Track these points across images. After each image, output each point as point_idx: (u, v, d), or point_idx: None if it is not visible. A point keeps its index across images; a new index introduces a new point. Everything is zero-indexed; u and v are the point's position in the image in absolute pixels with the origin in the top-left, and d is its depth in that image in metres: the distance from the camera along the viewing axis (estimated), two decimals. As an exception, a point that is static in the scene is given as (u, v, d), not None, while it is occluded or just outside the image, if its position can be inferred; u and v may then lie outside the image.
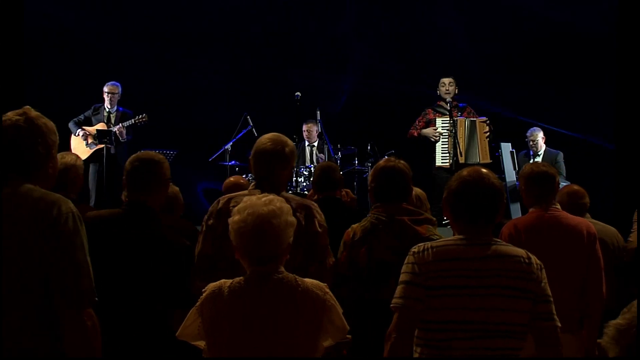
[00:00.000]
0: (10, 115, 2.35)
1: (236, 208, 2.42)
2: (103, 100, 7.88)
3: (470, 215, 2.43)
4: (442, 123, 7.59)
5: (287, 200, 3.02)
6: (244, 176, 7.88)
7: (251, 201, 2.40)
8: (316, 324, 2.36)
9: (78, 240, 2.28)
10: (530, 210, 3.71)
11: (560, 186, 3.98)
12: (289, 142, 3.22)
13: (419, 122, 7.73)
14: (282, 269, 2.41)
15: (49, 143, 2.38)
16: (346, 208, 4.60)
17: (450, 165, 7.46)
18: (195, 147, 9.02)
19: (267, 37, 10.14)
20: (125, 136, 7.73)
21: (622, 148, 8.21)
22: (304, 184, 8.00)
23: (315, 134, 8.58)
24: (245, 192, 3.17)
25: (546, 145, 8.05)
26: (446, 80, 7.70)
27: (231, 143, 8.23)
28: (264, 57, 10.14)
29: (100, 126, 7.65)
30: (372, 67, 10.19)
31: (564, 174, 7.81)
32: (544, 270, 2.44)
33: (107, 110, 7.82)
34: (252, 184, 3.22)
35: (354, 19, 10.17)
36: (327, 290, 2.42)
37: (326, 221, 4.39)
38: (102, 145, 7.49)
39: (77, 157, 4.20)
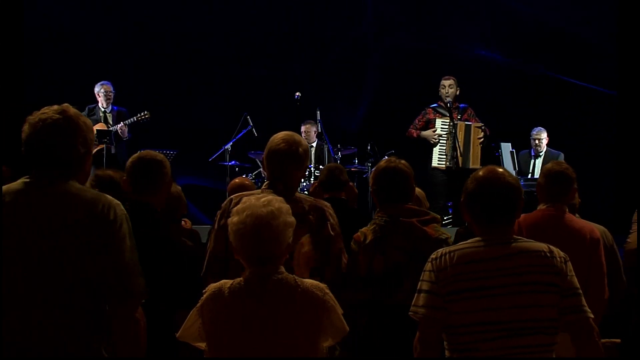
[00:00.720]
0: (49, 112, 2.33)
1: (235, 209, 2.42)
2: (95, 101, 7.82)
3: (488, 216, 2.40)
4: (442, 124, 7.58)
5: (300, 201, 3.05)
6: (244, 176, 7.91)
7: (250, 202, 2.40)
8: (316, 324, 2.36)
9: (131, 242, 2.33)
10: (539, 207, 3.71)
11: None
12: (303, 141, 3.19)
13: (419, 121, 7.71)
14: (282, 269, 2.41)
15: (88, 141, 2.38)
16: (351, 209, 4.61)
17: (446, 167, 7.46)
18: (195, 147, 9.02)
19: (267, 37, 10.15)
20: (126, 134, 7.71)
21: (622, 148, 8.23)
22: (304, 184, 8.01)
23: (313, 134, 8.58)
24: (258, 191, 3.13)
25: (547, 147, 8.05)
26: (446, 81, 7.64)
27: (231, 143, 8.22)
28: (264, 57, 10.14)
29: (99, 126, 7.63)
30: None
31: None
32: (569, 263, 2.40)
33: (103, 109, 7.79)
34: (265, 183, 3.19)
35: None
36: (327, 291, 2.42)
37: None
38: (103, 146, 7.48)
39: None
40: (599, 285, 3.56)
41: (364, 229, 3.33)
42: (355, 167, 8.29)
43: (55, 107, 2.36)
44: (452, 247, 2.45)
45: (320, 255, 3.04)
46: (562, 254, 2.42)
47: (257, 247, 2.35)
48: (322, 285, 2.43)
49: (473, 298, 2.33)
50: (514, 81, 9.86)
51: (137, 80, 9.59)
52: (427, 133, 7.60)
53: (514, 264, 2.35)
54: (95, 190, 2.36)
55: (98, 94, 7.78)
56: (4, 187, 2.32)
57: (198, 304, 2.41)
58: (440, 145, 7.54)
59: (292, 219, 2.41)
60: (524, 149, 8.18)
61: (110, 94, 7.78)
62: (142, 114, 7.74)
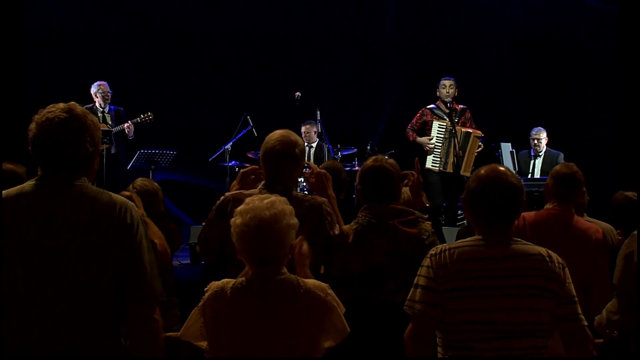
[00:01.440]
0: (56, 111, 2.30)
1: (238, 210, 2.41)
2: (92, 101, 7.77)
3: (490, 215, 2.39)
4: (439, 127, 7.52)
5: (298, 200, 3.01)
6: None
7: (253, 204, 2.39)
8: (317, 324, 2.36)
9: (147, 243, 2.34)
10: (546, 206, 3.71)
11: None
12: (299, 140, 3.15)
13: (416, 122, 7.65)
14: (285, 269, 2.41)
15: (96, 140, 2.37)
16: (350, 209, 4.58)
17: (439, 170, 7.44)
18: (195, 147, 9.03)
19: (267, 37, 10.16)
20: (132, 134, 7.71)
21: (622, 148, 8.22)
22: (304, 184, 8.00)
23: (314, 134, 8.58)
24: (255, 190, 3.12)
25: (547, 147, 8.05)
26: (447, 82, 7.57)
27: (231, 143, 8.22)
28: (264, 57, 10.15)
29: (100, 126, 7.64)
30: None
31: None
32: (566, 269, 2.39)
33: (101, 110, 7.77)
34: (262, 183, 3.17)
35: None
36: (329, 291, 2.42)
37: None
38: (103, 146, 7.48)
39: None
40: (604, 286, 3.56)
41: (345, 227, 3.26)
42: (356, 167, 8.28)
43: (62, 105, 2.33)
44: (453, 244, 2.44)
45: (319, 255, 3.01)
46: (560, 260, 2.41)
47: (259, 248, 2.35)
48: (324, 285, 2.44)
49: (470, 297, 2.33)
50: (514, 81, 9.87)
51: (137, 80, 9.59)
52: (422, 140, 7.55)
53: (513, 266, 2.35)
54: (109, 192, 2.35)
55: (95, 94, 7.73)
56: (16, 189, 2.30)
57: (200, 303, 2.41)
58: (435, 147, 7.49)
59: (295, 220, 2.42)
60: (524, 149, 8.19)
61: (108, 94, 7.75)
62: (146, 114, 7.73)
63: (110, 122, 7.73)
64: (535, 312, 2.33)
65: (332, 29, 10.22)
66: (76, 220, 2.24)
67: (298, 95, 8.07)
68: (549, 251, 2.42)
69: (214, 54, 10.05)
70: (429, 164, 7.51)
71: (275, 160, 3.06)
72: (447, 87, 7.55)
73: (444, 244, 2.46)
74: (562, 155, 7.93)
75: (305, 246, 2.74)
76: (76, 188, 2.29)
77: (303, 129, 8.59)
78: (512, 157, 7.90)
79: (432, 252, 2.43)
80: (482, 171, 2.45)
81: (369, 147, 8.32)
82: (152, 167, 7.97)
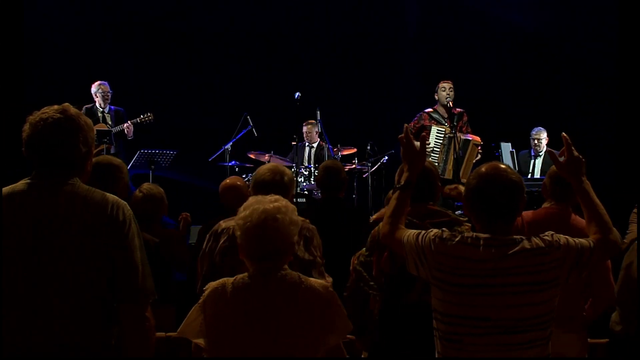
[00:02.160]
0: (49, 112, 2.34)
1: (242, 206, 2.46)
2: (92, 101, 7.76)
3: (490, 213, 2.39)
4: (437, 133, 7.40)
5: None
6: (243, 176, 7.92)
7: (257, 199, 2.44)
8: (319, 321, 2.36)
9: (139, 242, 2.36)
10: (544, 205, 3.72)
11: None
12: (287, 171, 3.32)
13: (414, 126, 7.43)
14: (286, 266, 2.42)
15: (89, 140, 2.39)
16: (348, 208, 4.59)
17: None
18: (195, 147, 9.03)
19: (267, 37, 10.15)
20: (132, 134, 7.71)
21: (622, 148, 8.23)
22: (304, 184, 8.01)
23: (315, 134, 8.59)
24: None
25: (547, 147, 8.04)
26: (446, 84, 7.43)
27: (231, 143, 8.22)
28: (264, 57, 10.15)
29: (99, 126, 7.62)
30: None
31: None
32: (558, 238, 2.38)
33: (101, 110, 7.76)
34: None
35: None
36: (331, 289, 2.43)
37: (329, 221, 4.40)
38: (103, 146, 7.47)
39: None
40: (604, 282, 3.56)
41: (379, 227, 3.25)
42: (356, 167, 8.28)
43: (56, 106, 2.36)
44: (455, 237, 2.42)
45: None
46: (555, 237, 2.39)
47: (262, 240, 2.36)
48: (326, 283, 2.45)
49: (467, 294, 2.34)
50: (514, 81, 9.87)
51: (137, 80, 9.59)
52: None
53: (512, 265, 2.34)
54: (101, 191, 2.37)
55: (95, 94, 7.73)
56: (8, 188, 2.32)
57: (200, 300, 2.41)
58: (433, 152, 7.35)
59: (297, 218, 2.44)
60: (524, 149, 8.19)
61: (108, 94, 7.75)
62: (146, 115, 7.73)
63: (110, 122, 7.72)
64: (533, 306, 2.33)
65: (332, 29, 10.21)
66: (68, 219, 2.27)
67: (298, 95, 8.06)
68: (545, 235, 2.40)
69: (214, 54, 10.05)
70: None
71: (266, 189, 3.13)
72: (446, 90, 7.39)
73: (450, 233, 2.44)
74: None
75: None
76: (68, 187, 2.31)
77: (305, 128, 8.59)
78: (512, 157, 7.89)
79: (440, 234, 2.43)
80: (483, 169, 2.45)
81: (369, 147, 8.32)
82: (152, 167, 7.96)
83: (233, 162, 8.23)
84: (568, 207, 3.67)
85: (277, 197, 2.45)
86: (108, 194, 2.38)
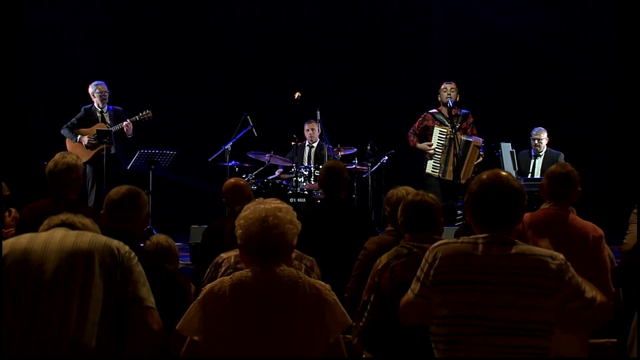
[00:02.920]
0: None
1: (244, 208, 2.51)
2: (90, 101, 7.70)
3: (490, 219, 2.42)
4: (440, 134, 7.41)
5: None
6: (243, 176, 7.92)
7: (258, 201, 2.51)
8: (318, 318, 2.37)
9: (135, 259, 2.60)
10: (542, 206, 3.71)
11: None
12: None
13: (418, 127, 7.53)
14: (284, 265, 2.43)
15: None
16: (349, 209, 4.58)
17: (438, 176, 7.41)
18: (195, 147, 9.02)
19: (268, 37, 10.15)
20: (131, 132, 7.69)
21: (622, 148, 8.24)
22: (304, 184, 8.01)
23: (317, 133, 8.59)
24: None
25: (547, 147, 8.04)
26: (448, 85, 7.47)
27: (231, 143, 8.22)
28: (264, 57, 10.15)
29: (99, 126, 7.61)
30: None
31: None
32: (568, 266, 2.40)
33: (100, 110, 7.74)
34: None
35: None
36: (329, 288, 2.44)
37: (330, 221, 4.39)
38: (103, 146, 7.46)
39: (78, 157, 4.21)
40: (604, 282, 3.55)
41: (382, 257, 3.23)
42: (356, 167, 8.27)
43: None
44: (452, 239, 2.49)
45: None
46: (561, 257, 2.41)
47: (261, 237, 2.39)
48: (324, 283, 2.46)
49: (464, 290, 2.36)
50: (514, 80, 9.87)
51: (137, 80, 9.59)
52: (423, 146, 7.48)
53: (509, 264, 2.36)
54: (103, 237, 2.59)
55: (93, 95, 7.69)
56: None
57: (199, 297, 2.42)
58: (436, 153, 7.40)
59: (297, 221, 2.49)
60: (524, 149, 8.17)
61: (105, 93, 7.73)
62: (145, 112, 7.71)
63: (108, 122, 7.70)
64: (531, 310, 2.33)
65: (332, 29, 10.22)
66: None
67: (298, 95, 8.05)
68: (553, 252, 2.43)
69: (214, 53, 10.05)
70: (429, 168, 7.47)
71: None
72: (448, 91, 7.43)
73: (446, 239, 2.50)
74: (562, 155, 7.91)
75: None
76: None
77: (307, 126, 8.58)
78: (512, 157, 7.87)
79: (433, 245, 2.49)
80: (484, 175, 2.49)
81: (369, 147, 8.32)
82: (152, 167, 7.96)
83: (233, 162, 8.22)
84: (566, 207, 3.67)
85: (277, 199, 2.51)
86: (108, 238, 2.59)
